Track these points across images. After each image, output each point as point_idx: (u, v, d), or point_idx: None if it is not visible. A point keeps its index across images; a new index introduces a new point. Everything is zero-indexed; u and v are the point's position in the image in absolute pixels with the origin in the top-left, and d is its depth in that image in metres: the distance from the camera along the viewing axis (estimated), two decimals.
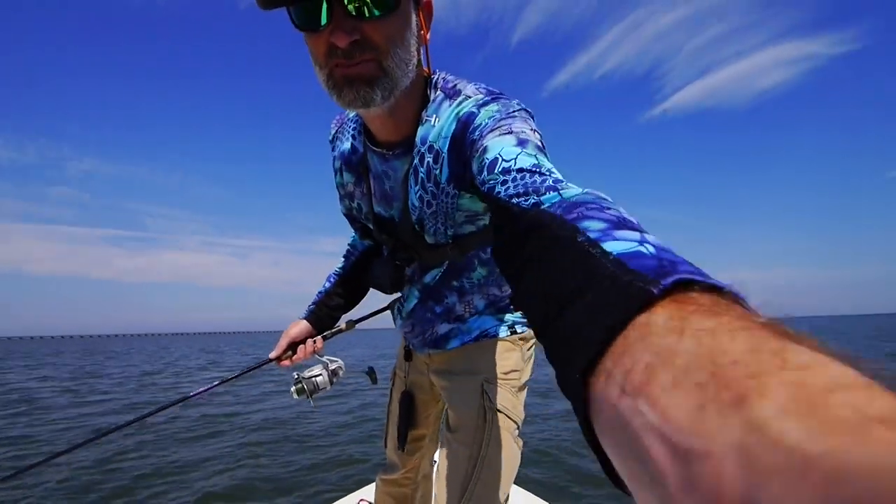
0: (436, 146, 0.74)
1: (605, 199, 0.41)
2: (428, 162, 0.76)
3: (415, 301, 0.99)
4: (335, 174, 0.95)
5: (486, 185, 0.54)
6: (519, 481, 2.21)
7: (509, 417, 0.94)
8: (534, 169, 0.50)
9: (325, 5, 0.58)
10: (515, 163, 0.52)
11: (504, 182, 0.51)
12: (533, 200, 0.45)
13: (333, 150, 0.95)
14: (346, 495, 2.20)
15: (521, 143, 0.57)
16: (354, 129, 0.88)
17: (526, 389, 1.03)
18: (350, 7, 0.58)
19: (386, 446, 1.25)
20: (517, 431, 0.96)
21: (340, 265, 1.17)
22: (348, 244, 1.19)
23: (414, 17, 0.67)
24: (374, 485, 2.28)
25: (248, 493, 3.45)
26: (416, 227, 0.84)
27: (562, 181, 0.48)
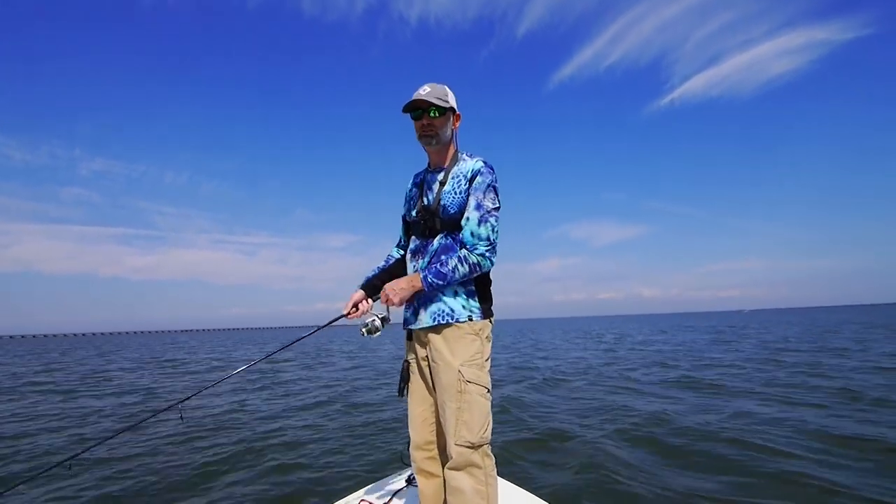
0: (464, 174, 1.65)
1: (458, 262, 1.57)
2: (459, 178, 1.65)
3: (426, 262, 1.65)
4: (407, 191, 1.85)
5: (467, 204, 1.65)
6: (513, 479, 2.24)
7: (478, 384, 1.57)
8: (481, 219, 1.60)
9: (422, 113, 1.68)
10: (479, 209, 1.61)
11: (468, 219, 1.61)
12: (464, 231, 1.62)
13: (410, 182, 1.86)
14: (346, 495, 2.23)
15: (478, 206, 1.61)
16: (424, 169, 1.82)
17: (489, 361, 1.65)
18: (429, 114, 1.66)
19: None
20: (486, 391, 1.59)
21: (383, 262, 1.92)
22: (388, 255, 1.94)
23: (450, 116, 1.69)
24: (373, 485, 2.32)
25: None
26: (439, 204, 1.65)
27: (479, 240, 1.58)
